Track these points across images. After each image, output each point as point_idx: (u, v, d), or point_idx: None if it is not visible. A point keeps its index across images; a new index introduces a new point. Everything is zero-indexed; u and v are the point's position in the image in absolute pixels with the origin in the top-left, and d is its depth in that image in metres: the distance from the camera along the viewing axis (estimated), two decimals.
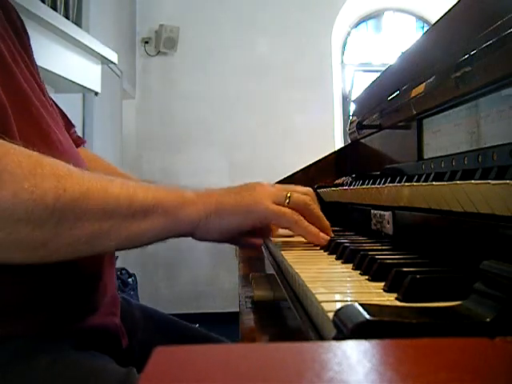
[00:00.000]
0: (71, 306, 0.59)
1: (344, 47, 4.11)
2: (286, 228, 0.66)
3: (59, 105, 0.79)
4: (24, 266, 0.50)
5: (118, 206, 0.50)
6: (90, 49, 1.83)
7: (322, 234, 0.64)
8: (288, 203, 0.63)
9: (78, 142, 0.83)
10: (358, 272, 0.47)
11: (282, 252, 0.61)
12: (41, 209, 0.44)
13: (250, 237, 0.67)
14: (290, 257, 0.57)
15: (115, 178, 0.53)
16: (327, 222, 0.68)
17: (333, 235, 0.69)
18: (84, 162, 0.69)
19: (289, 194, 0.63)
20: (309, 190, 0.69)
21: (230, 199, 0.60)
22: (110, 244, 0.52)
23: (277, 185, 0.67)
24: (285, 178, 1.27)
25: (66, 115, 0.82)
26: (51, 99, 0.74)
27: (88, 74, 1.92)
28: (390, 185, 0.63)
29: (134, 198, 0.52)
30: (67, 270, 0.57)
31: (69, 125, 0.82)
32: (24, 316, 0.55)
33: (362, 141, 1.10)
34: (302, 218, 0.63)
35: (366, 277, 0.44)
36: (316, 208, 0.66)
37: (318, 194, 1.04)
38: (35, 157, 0.46)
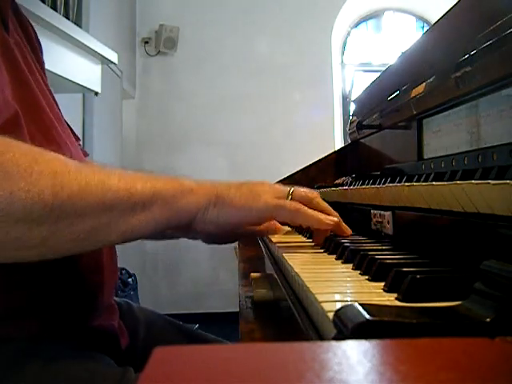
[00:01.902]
0: (70, 311, 0.59)
1: (344, 47, 4.11)
2: (288, 222, 0.64)
3: (59, 105, 0.80)
4: (21, 270, 0.49)
5: (116, 199, 0.50)
6: (90, 49, 1.83)
7: (328, 217, 0.62)
8: (291, 199, 0.61)
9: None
10: (358, 272, 0.47)
11: (282, 252, 0.61)
12: (39, 207, 0.44)
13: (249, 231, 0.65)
14: (290, 257, 0.57)
15: (113, 169, 0.53)
16: (336, 213, 0.66)
17: (350, 232, 0.67)
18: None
19: (291, 190, 0.62)
20: (312, 190, 0.67)
21: (230, 192, 0.59)
22: (110, 238, 0.51)
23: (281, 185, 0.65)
24: (285, 178, 1.27)
25: (71, 128, 0.83)
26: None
27: (88, 74, 1.92)
28: (390, 185, 0.63)
29: (132, 190, 0.51)
30: (67, 275, 0.57)
31: (74, 137, 0.82)
32: (20, 319, 0.55)
33: (362, 141, 1.10)
34: (303, 206, 0.61)
35: (366, 277, 0.44)
36: (321, 201, 0.64)
37: None
38: (32, 153, 0.45)
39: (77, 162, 0.49)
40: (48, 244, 0.46)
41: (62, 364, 0.54)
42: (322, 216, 0.61)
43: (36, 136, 0.56)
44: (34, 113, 0.58)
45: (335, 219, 0.63)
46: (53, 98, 0.70)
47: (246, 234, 0.68)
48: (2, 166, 0.42)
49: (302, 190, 0.63)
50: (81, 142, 0.86)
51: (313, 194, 0.64)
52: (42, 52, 0.75)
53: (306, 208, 0.61)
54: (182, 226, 0.58)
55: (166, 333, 0.81)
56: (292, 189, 0.62)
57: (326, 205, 0.65)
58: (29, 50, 0.67)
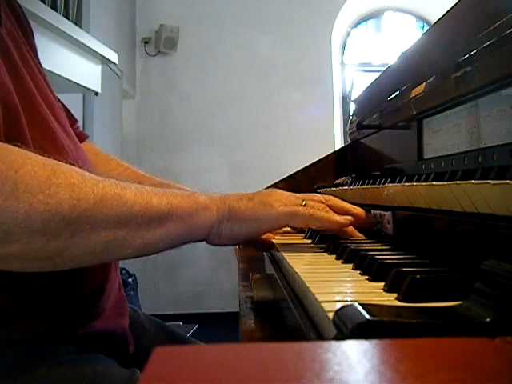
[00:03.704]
0: (74, 311, 0.59)
1: (344, 47, 4.11)
2: (302, 227, 0.65)
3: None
4: (24, 272, 0.49)
5: (132, 214, 0.50)
6: (90, 49, 1.83)
7: (343, 216, 0.62)
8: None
9: (82, 136, 0.84)
10: (358, 272, 0.47)
11: (282, 252, 0.61)
12: (57, 220, 0.44)
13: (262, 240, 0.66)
14: (290, 257, 0.57)
15: (130, 184, 0.53)
16: (360, 209, 0.66)
17: (372, 219, 0.67)
18: (88, 162, 0.69)
19: (304, 203, 0.62)
20: (325, 197, 0.66)
21: (242, 205, 0.59)
22: (126, 252, 0.52)
23: (293, 193, 0.65)
24: (285, 178, 1.27)
25: (68, 110, 0.82)
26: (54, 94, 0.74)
27: (88, 74, 1.91)
28: (390, 185, 0.63)
29: (148, 205, 0.51)
30: (69, 275, 0.57)
31: (72, 120, 0.82)
32: (26, 321, 0.55)
33: (362, 141, 1.10)
34: (317, 210, 0.61)
35: (366, 277, 0.44)
36: (337, 201, 0.65)
37: None
38: (50, 166, 0.46)
39: (94, 175, 0.50)
40: (64, 256, 0.47)
41: (68, 368, 0.54)
42: (336, 217, 0.62)
43: (32, 130, 0.56)
44: (28, 105, 0.58)
45: (349, 217, 0.63)
46: (46, 83, 0.69)
47: (256, 246, 0.69)
48: (21, 178, 0.43)
49: (316, 199, 0.64)
50: (79, 124, 0.86)
51: (326, 200, 0.64)
52: (33, 34, 0.74)
53: (319, 211, 0.61)
54: (197, 241, 0.59)
55: (173, 341, 0.81)
56: (305, 201, 0.62)
57: (343, 204, 0.65)
58: (22, 38, 0.67)
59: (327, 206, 0.63)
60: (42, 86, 0.65)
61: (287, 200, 0.62)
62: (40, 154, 0.49)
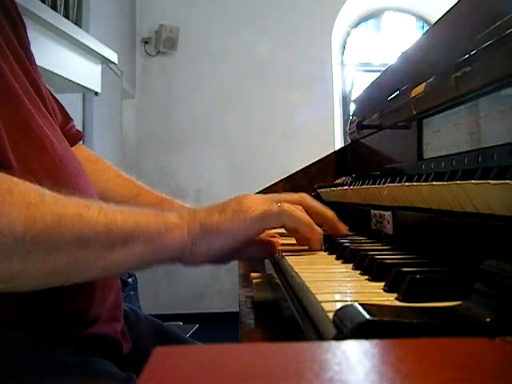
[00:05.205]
0: (69, 318, 0.58)
1: (344, 47, 4.11)
2: (279, 227, 0.62)
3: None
4: None
5: (94, 235, 0.47)
6: (90, 49, 1.83)
7: (316, 227, 0.60)
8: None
9: (77, 136, 0.81)
10: (358, 272, 0.47)
11: (282, 252, 0.61)
12: (8, 241, 0.41)
13: (251, 249, 0.61)
14: (290, 257, 0.57)
15: (93, 201, 0.50)
16: (331, 212, 0.65)
17: (345, 232, 0.67)
18: (79, 164, 0.67)
19: (279, 204, 0.58)
20: (301, 196, 0.63)
21: (214, 219, 0.55)
22: (88, 274, 0.50)
23: (267, 196, 0.62)
24: (285, 178, 1.27)
25: (63, 108, 0.79)
26: (49, 91, 0.71)
27: (88, 74, 1.92)
28: (390, 185, 0.63)
29: (112, 225, 0.48)
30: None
31: (67, 119, 0.79)
32: (21, 326, 0.54)
33: (362, 141, 1.10)
34: (291, 206, 0.58)
35: (366, 277, 0.44)
36: (311, 202, 0.63)
37: (318, 194, 1.04)
38: (6, 183, 0.43)
39: (54, 194, 0.47)
40: (19, 279, 0.44)
41: (64, 371, 0.53)
42: (311, 220, 0.59)
43: (11, 134, 0.53)
44: (8, 106, 0.55)
45: (321, 231, 0.61)
46: (34, 79, 0.65)
47: (245, 257, 0.67)
48: None
49: (292, 199, 0.61)
50: (74, 123, 0.82)
51: (301, 197, 0.62)
52: (24, 27, 0.70)
53: (294, 209, 0.58)
54: (169, 262, 0.56)
55: (171, 343, 0.80)
56: (279, 203, 0.58)
57: (317, 206, 0.63)
58: (4, 28, 0.63)
59: (303, 207, 0.61)
60: (25, 85, 0.61)
61: (259, 203, 0.58)
62: (16, 154, 0.47)
